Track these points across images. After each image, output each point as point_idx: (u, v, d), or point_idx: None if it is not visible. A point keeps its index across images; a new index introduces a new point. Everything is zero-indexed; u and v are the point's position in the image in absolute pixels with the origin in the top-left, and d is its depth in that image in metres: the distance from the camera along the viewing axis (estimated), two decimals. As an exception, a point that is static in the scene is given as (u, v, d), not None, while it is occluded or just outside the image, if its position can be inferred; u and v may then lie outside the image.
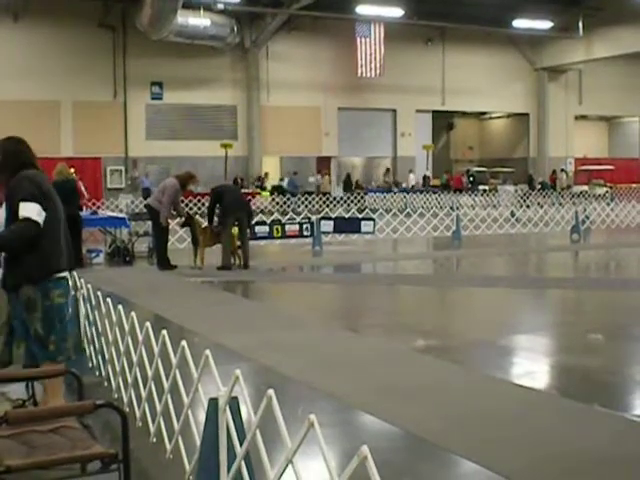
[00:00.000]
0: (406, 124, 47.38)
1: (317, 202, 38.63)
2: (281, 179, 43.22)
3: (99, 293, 7.95)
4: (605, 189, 45.95)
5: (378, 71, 42.88)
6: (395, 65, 43.58)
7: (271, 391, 3.77)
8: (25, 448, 4.01)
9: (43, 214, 5.80)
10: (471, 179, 47.65)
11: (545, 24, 45.50)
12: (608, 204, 30.99)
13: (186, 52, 39.60)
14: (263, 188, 41.27)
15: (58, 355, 5.97)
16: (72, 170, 17.62)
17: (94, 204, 28.22)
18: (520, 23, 44.84)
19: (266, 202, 38.65)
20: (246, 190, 39.67)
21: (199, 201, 34.94)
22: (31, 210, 5.74)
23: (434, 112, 48.77)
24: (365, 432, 6.65)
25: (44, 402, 6.03)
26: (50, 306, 5.87)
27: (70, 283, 6.26)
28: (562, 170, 49.55)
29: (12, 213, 5.80)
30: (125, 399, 6.56)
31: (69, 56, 38.18)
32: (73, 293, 8.36)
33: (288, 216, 23.19)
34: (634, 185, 46.85)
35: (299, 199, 39.02)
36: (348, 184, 44.42)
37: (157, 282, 15.32)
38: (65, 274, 6.09)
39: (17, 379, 5.58)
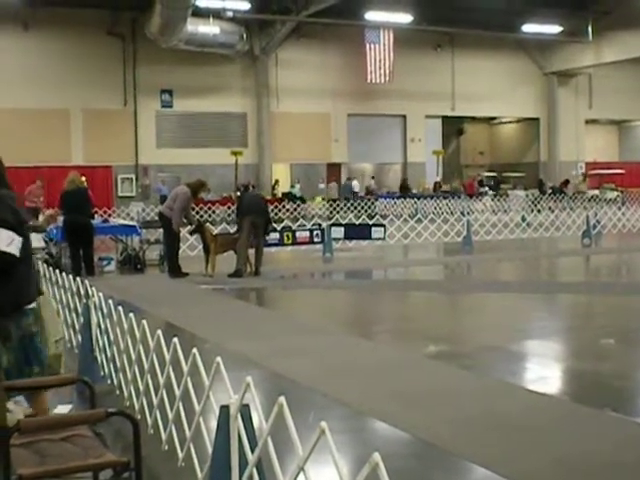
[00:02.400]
0: (416, 130, 47.35)
1: (327, 209, 38.68)
2: (292, 186, 43.26)
3: (110, 301, 7.96)
4: (616, 193, 45.81)
5: (387, 77, 42.88)
6: (404, 71, 43.58)
7: (282, 398, 3.77)
8: (37, 457, 4.02)
9: (17, 240, 5.32)
10: (490, 183, 47.67)
11: (554, 29, 45.45)
12: (619, 208, 30.89)
13: (196, 60, 39.69)
14: (279, 194, 41.38)
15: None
16: (83, 179, 17.67)
17: (105, 212, 28.28)
18: (529, 28, 44.82)
19: (317, 208, 38.98)
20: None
21: (209, 209, 35.05)
22: (2, 240, 5.24)
23: (444, 118, 48.73)
24: (377, 439, 6.65)
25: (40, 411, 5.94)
26: (22, 336, 5.60)
27: (35, 312, 5.95)
28: (582, 174, 49.35)
29: None
30: (137, 407, 6.57)
31: (79, 65, 38.30)
32: (85, 300, 8.39)
33: (298, 223, 23.19)
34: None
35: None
36: (405, 188, 44.58)
37: (168, 290, 15.35)
38: (33, 305, 5.71)
39: (29, 388, 5.59)
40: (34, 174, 31.88)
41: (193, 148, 40.93)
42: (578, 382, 8.48)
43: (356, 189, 44.24)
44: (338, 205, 39.36)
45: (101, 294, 8.35)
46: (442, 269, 19.88)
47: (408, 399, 7.41)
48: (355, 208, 37.79)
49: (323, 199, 41.92)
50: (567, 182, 46.89)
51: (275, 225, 22.51)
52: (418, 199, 39.76)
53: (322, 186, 44.49)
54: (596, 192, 46.06)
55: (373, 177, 47.46)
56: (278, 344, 9.88)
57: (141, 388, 6.50)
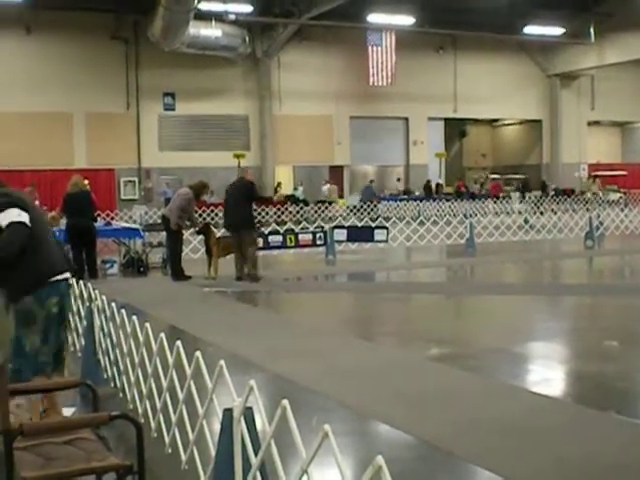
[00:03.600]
0: (418, 132, 47.33)
1: (330, 211, 38.69)
2: (295, 188, 43.29)
3: (113, 304, 7.96)
4: (619, 195, 45.80)
5: (390, 79, 42.86)
6: (407, 73, 43.57)
7: (285, 401, 3.77)
8: (41, 460, 4.02)
9: (25, 214, 5.62)
10: (519, 186, 47.70)
11: (556, 30, 45.43)
12: (622, 210, 30.87)
13: (198, 63, 39.70)
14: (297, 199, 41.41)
15: (47, 366, 5.90)
16: (86, 182, 17.68)
17: (108, 215, 28.29)
18: (531, 30, 44.80)
19: (341, 210, 39.10)
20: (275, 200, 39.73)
21: (212, 211, 35.03)
22: (10, 215, 5.57)
23: (446, 120, 48.70)
24: (380, 441, 6.65)
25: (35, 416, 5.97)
26: (47, 316, 5.81)
27: (71, 286, 6.14)
28: (595, 176, 49.23)
29: None
30: (140, 410, 6.57)
31: (82, 68, 38.31)
32: (88, 304, 8.39)
33: (301, 225, 23.19)
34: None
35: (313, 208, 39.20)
36: (428, 189, 44.67)
37: (171, 293, 15.36)
38: (63, 276, 5.95)
39: (33, 391, 5.60)
40: (37, 177, 31.91)
41: (196, 151, 40.94)
42: (582, 384, 8.47)
43: (378, 191, 44.70)
44: (359, 208, 39.69)
45: (104, 297, 8.36)
46: (445, 271, 19.87)
47: (411, 401, 7.40)
48: (395, 209, 38.17)
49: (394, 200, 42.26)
50: (573, 191, 46.83)
51: (278, 228, 22.51)
52: (420, 201, 39.79)
53: (325, 188, 44.54)
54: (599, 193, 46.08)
55: (399, 179, 47.22)
56: (281, 347, 9.88)
57: (144, 391, 6.50)
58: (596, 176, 49.23)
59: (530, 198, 43.66)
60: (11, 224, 5.55)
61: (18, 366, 5.72)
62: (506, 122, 54.28)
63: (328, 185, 43.21)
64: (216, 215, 34.79)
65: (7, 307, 5.85)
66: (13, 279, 5.69)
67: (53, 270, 5.85)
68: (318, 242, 21.24)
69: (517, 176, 50.05)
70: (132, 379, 7.00)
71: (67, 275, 6.03)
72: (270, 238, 20.76)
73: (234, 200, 16.39)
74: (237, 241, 16.33)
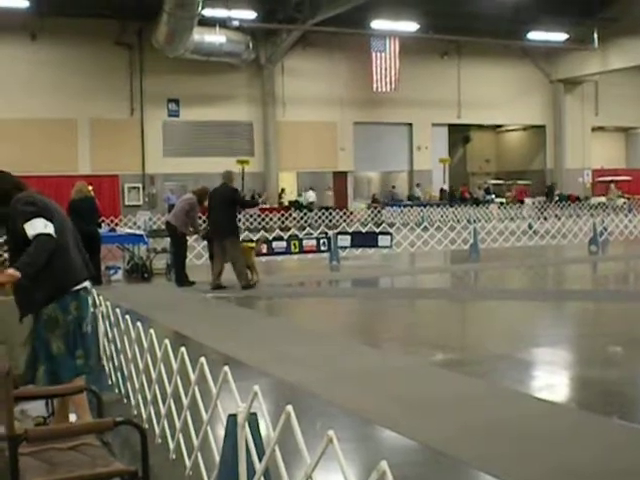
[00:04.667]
0: (422, 138, 47.36)
1: (334, 217, 38.72)
2: (299, 194, 43.32)
3: (118, 310, 7.97)
4: (623, 200, 45.77)
5: (393, 85, 42.90)
6: (411, 79, 43.61)
7: (290, 407, 3.78)
8: (46, 466, 4.03)
9: (50, 225, 5.74)
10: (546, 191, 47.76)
11: (560, 36, 45.47)
12: (626, 215, 30.84)
13: (202, 69, 39.78)
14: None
15: (85, 368, 6.02)
16: (91, 188, 17.69)
17: (112, 221, 28.31)
18: (535, 35, 44.83)
19: (363, 213, 39.14)
20: (264, 206, 39.88)
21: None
22: (37, 226, 5.68)
23: (450, 125, 48.73)
24: (384, 447, 6.64)
25: (60, 419, 6.04)
26: (71, 321, 5.90)
27: (89, 294, 6.28)
28: (612, 182, 49.12)
29: (17, 240, 5.78)
30: (144, 416, 6.58)
31: (86, 74, 38.42)
32: (92, 310, 8.40)
33: (305, 231, 23.20)
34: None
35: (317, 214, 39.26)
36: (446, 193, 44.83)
37: (175, 299, 15.36)
38: (83, 285, 6.08)
39: (37, 397, 5.61)
40: (41, 183, 31.83)
41: (200, 157, 40.96)
42: (586, 390, 8.46)
43: (401, 196, 44.84)
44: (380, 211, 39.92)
45: (108, 303, 8.37)
46: (449, 277, 19.86)
47: (416, 407, 7.40)
48: (399, 215, 38.24)
49: (368, 206, 42.27)
50: (577, 198, 46.79)
51: (282, 234, 22.54)
52: (424, 207, 39.80)
53: (329, 194, 44.61)
54: (603, 199, 46.02)
55: (418, 184, 47.21)
56: (285, 352, 9.88)
57: (149, 397, 6.51)
58: (612, 181, 49.04)
59: (534, 204, 43.67)
60: (38, 236, 5.65)
61: (52, 369, 5.88)
62: (510, 128, 54.29)
63: (310, 191, 43.30)
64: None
65: (21, 319, 5.94)
66: (37, 288, 5.80)
67: (75, 279, 5.97)
68: (322, 248, 21.24)
69: (521, 182, 50.04)
70: (137, 385, 7.00)
71: (87, 284, 6.17)
72: (274, 244, 20.77)
73: (217, 207, 16.14)
74: (219, 248, 16.18)
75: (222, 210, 16.02)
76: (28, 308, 5.95)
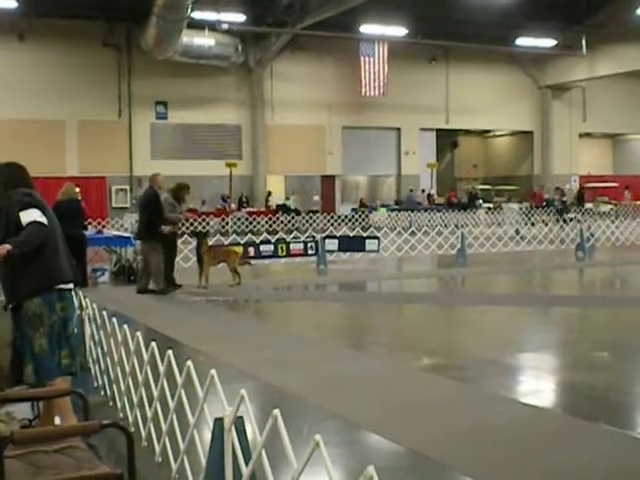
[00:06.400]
0: (410, 142, 47.41)
1: (322, 221, 38.75)
2: (287, 198, 43.33)
3: (104, 312, 7.96)
4: (610, 206, 45.92)
5: (382, 90, 42.92)
6: (399, 84, 43.65)
7: (277, 411, 3.77)
8: (31, 468, 4.01)
9: (44, 218, 5.87)
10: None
11: (548, 42, 45.58)
12: (613, 221, 30.95)
13: (191, 72, 39.71)
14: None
15: (72, 368, 6.00)
16: (78, 190, 17.63)
17: (99, 223, 28.25)
18: (523, 41, 44.92)
19: (383, 218, 39.29)
20: (251, 209, 39.92)
21: (203, 220, 35.08)
22: (33, 214, 5.80)
23: (438, 130, 48.80)
24: (371, 451, 6.65)
25: (46, 422, 6.01)
26: (55, 320, 5.88)
27: (75, 298, 6.28)
28: (626, 187, 49.07)
29: (11, 227, 5.86)
30: (131, 419, 6.56)
31: (74, 76, 38.31)
32: (78, 312, 8.36)
33: (292, 235, 23.20)
34: (639, 202, 46.78)
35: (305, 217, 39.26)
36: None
37: (162, 301, 15.33)
38: (69, 286, 6.10)
39: (23, 399, 5.59)
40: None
41: (188, 160, 40.90)
42: (572, 395, 8.49)
43: (419, 199, 45.07)
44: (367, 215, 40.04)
45: (95, 305, 8.35)
46: (436, 282, 19.89)
47: (402, 411, 7.41)
48: (419, 218, 38.34)
49: (387, 209, 42.34)
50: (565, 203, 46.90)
51: (269, 237, 22.53)
52: (412, 212, 39.87)
53: (316, 198, 44.63)
54: (590, 205, 46.15)
55: (412, 189, 46.92)
56: (272, 356, 9.88)
57: (135, 400, 6.49)
58: (627, 187, 49.03)
59: (521, 209, 43.78)
60: (33, 222, 5.77)
61: (35, 367, 5.89)
62: (498, 133, 54.42)
63: (292, 197, 43.38)
64: (207, 224, 34.86)
65: (5, 308, 5.96)
66: (24, 278, 5.85)
67: (63, 278, 5.98)
68: (309, 252, 21.24)
69: (509, 187, 50.13)
70: (123, 388, 6.99)
71: (71, 286, 6.18)
72: (261, 247, 20.75)
73: (139, 209, 16.71)
74: (142, 251, 16.50)
75: (141, 213, 16.58)
76: (13, 297, 5.96)
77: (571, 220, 37.31)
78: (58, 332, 5.94)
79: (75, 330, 6.21)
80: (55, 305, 5.91)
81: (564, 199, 45.55)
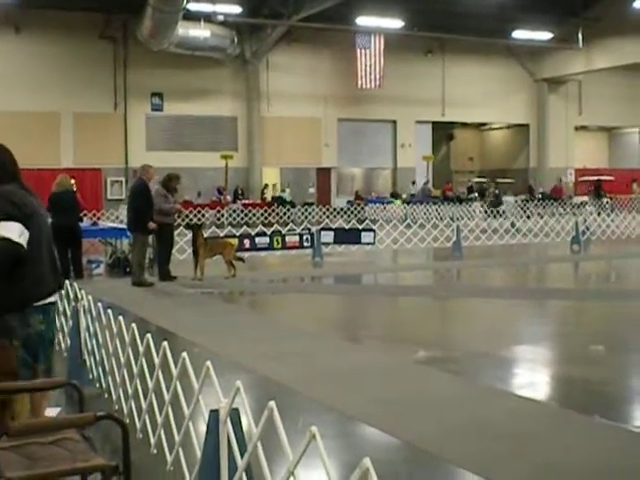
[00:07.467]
0: (406, 135, 47.40)
1: (317, 213, 38.75)
2: (282, 190, 43.30)
3: (99, 304, 7.94)
4: (605, 200, 45.94)
5: (378, 82, 42.88)
6: (395, 76, 43.62)
7: (272, 403, 3.76)
8: (26, 460, 4.00)
9: (26, 233, 5.31)
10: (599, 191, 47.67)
11: (545, 35, 45.56)
12: (608, 215, 30.97)
13: (186, 63, 39.64)
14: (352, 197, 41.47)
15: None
16: (73, 181, 17.59)
17: (95, 215, 28.22)
18: (520, 34, 44.90)
19: (399, 210, 39.53)
20: (247, 201, 39.90)
21: (199, 212, 35.06)
22: (12, 230, 5.24)
23: (434, 123, 48.77)
24: (367, 444, 6.64)
25: (37, 414, 5.92)
26: (30, 334, 5.50)
27: (54, 307, 5.91)
28: (634, 180, 49.01)
29: None
30: (126, 411, 6.56)
31: (70, 67, 38.24)
32: (74, 304, 8.36)
33: (288, 227, 23.18)
34: (634, 195, 46.83)
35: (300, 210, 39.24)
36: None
37: (157, 293, 15.32)
38: (49, 300, 5.65)
39: (18, 391, 5.56)
40: (24, 176, 31.60)
41: (183, 151, 40.84)
42: (567, 388, 8.49)
43: (433, 192, 45.31)
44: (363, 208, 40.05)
45: (90, 297, 8.34)
46: (431, 274, 19.89)
47: (398, 404, 7.40)
48: (434, 210, 38.39)
49: (403, 201, 42.42)
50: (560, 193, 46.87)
51: (265, 229, 22.52)
52: (408, 204, 39.88)
53: (312, 190, 44.62)
54: (585, 198, 46.17)
55: (414, 182, 46.99)
56: (267, 348, 9.87)
57: (130, 392, 6.48)
58: (634, 180, 49.01)
59: (517, 202, 43.79)
60: (7, 240, 5.23)
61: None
62: (494, 126, 54.42)
63: (288, 190, 43.34)
64: (202, 216, 34.85)
65: None
66: None
67: (40, 295, 5.55)
68: (305, 244, 21.23)
69: (505, 180, 50.16)
70: (118, 380, 6.98)
71: (54, 299, 5.76)
72: (257, 240, 20.74)
73: (128, 200, 16.80)
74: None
75: (130, 204, 16.50)
76: None
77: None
78: (34, 347, 5.60)
79: (48, 343, 5.87)
80: (30, 320, 5.47)
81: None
